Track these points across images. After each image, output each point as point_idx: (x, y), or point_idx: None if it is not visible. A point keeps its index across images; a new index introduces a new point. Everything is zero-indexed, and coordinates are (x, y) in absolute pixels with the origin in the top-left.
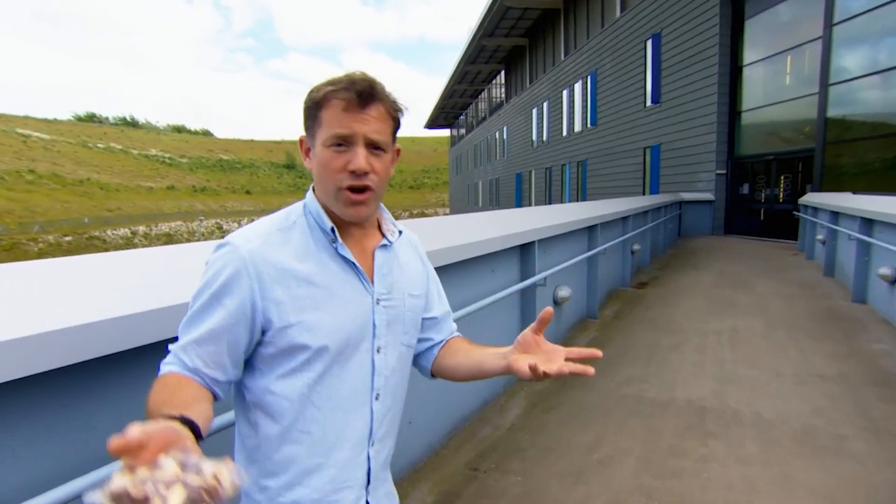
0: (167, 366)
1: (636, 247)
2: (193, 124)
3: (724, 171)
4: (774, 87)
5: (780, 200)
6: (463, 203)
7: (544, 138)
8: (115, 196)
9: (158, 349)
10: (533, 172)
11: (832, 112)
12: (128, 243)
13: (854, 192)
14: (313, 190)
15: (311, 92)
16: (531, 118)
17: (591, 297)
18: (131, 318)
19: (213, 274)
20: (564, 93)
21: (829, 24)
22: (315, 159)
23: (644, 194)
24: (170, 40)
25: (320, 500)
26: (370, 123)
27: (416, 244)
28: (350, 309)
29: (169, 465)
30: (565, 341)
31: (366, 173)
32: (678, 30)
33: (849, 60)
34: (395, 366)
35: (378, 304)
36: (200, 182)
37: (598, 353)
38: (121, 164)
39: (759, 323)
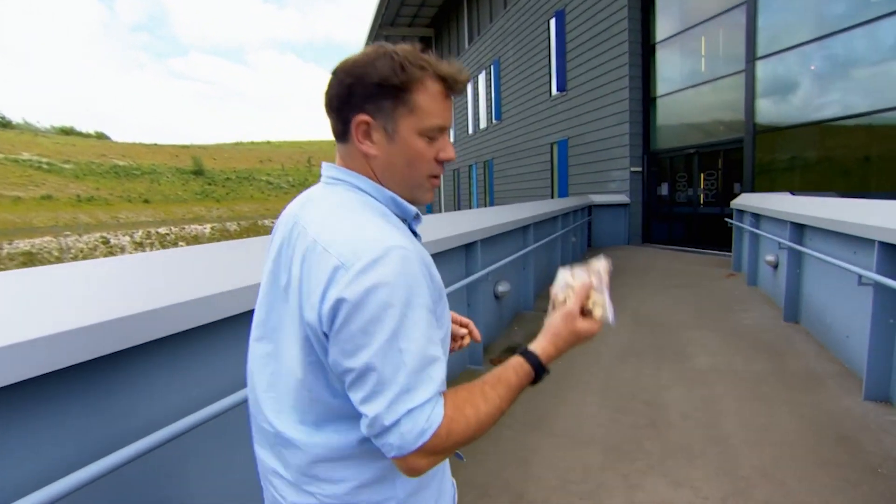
0: (439, 403)
1: (501, 288)
2: (87, 127)
3: (639, 169)
4: (692, 67)
5: (702, 202)
6: None
7: (451, 137)
8: None
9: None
10: (441, 176)
11: (763, 93)
12: None
13: (793, 193)
14: (354, 174)
15: (388, 67)
16: None
17: None
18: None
19: (409, 286)
20: (468, 86)
21: None
22: (399, 146)
23: (553, 196)
24: (47, 33)
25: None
26: (451, 111)
27: None
28: None
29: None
30: None
31: None
32: (583, 4)
33: (781, 27)
34: None
35: None
36: (88, 191)
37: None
38: None
39: (717, 494)
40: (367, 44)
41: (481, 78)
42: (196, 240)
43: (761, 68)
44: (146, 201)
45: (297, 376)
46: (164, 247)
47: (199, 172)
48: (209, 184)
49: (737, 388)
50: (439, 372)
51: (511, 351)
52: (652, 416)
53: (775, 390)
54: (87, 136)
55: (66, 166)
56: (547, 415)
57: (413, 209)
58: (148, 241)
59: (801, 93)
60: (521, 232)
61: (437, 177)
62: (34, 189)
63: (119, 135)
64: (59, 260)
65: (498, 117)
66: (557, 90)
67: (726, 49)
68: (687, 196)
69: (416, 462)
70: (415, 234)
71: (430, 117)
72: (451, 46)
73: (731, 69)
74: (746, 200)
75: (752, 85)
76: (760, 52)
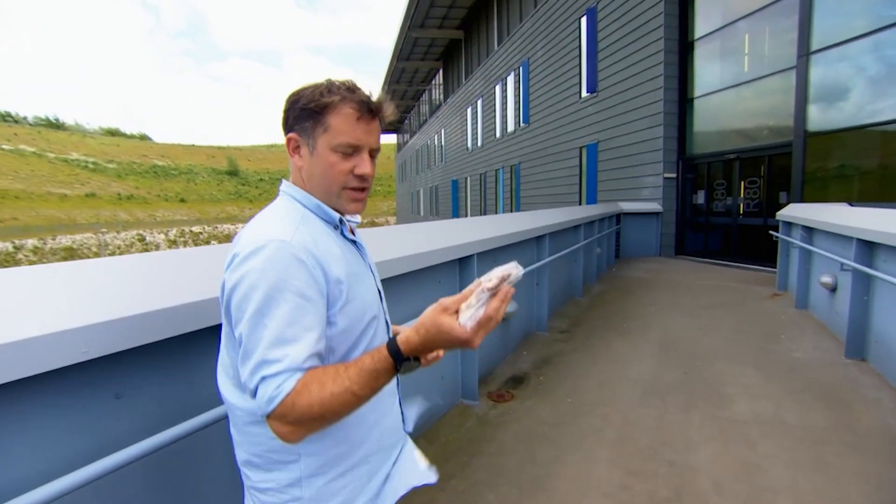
0: (293, 377)
1: (507, 308)
2: (130, 128)
3: (673, 175)
4: (734, 66)
5: (742, 212)
6: (407, 212)
7: (478, 141)
8: (12, 204)
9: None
10: (468, 179)
11: (816, 92)
12: (7, 259)
13: (851, 204)
14: (293, 185)
15: (311, 94)
16: (466, 119)
17: None
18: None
19: (279, 273)
20: (497, 88)
21: None
22: (317, 159)
23: (581, 203)
24: (98, 40)
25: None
26: (374, 135)
27: None
28: (371, 283)
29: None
30: None
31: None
32: (616, 0)
33: (842, 16)
34: None
35: (374, 277)
36: (128, 189)
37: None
38: (30, 168)
39: None
40: (397, 44)
41: (510, 80)
42: (228, 239)
43: (816, 64)
44: (182, 200)
45: (224, 343)
46: (196, 245)
47: (233, 173)
48: (243, 184)
49: (789, 450)
50: (299, 351)
51: (516, 381)
52: (676, 485)
53: (842, 457)
54: (131, 136)
55: (110, 166)
56: (545, 474)
57: (335, 215)
58: (182, 239)
59: (862, 91)
60: (533, 243)
61: (356, 189)
62: (80, 187)
63: (159, 136)
64: (96, 255)
65: (526, 120)
66: (588, 91)
67: (774, 44)
68: (725, 205)
69: (276, 426)
70: (353, 240)
71: (341, 135)
72: (480, 48)
73: (779, 66)
74: (796, 212)
75: (803, 83)
76: (815, 45)
